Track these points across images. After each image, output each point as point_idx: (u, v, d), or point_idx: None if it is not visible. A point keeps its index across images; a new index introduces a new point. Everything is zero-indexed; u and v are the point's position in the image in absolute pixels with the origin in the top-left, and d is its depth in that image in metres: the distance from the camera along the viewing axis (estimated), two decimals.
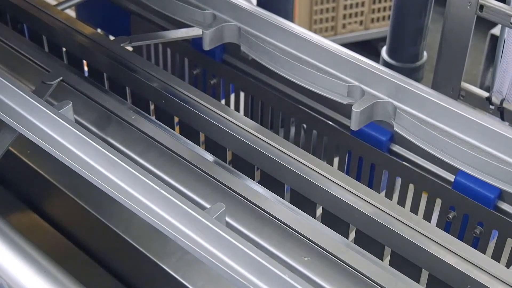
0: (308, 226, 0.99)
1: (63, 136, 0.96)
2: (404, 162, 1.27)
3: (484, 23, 1.52)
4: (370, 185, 1.29)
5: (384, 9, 3.11)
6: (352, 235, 1.08)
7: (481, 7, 1.33)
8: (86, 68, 1.43)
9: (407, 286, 0.92)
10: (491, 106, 1.43)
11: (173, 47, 1.61)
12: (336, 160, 1.36)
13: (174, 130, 1.24)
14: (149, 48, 1.69)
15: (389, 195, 1.28)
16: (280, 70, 1.18)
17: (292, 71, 1.16)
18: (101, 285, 1.08)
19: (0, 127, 1.04)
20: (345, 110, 1.28)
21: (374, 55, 1.80)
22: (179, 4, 1.26)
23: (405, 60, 1.72)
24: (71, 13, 1.89)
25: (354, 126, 1.08)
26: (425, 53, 1.74)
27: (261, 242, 0.96)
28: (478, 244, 1.16)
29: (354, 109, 1.06)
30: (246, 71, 1.53)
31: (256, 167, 1.17)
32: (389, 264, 1.00)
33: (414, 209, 1.26)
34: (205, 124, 1.19)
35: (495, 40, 2.27)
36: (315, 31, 2.91)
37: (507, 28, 1.36)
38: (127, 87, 1.31)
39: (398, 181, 1.27)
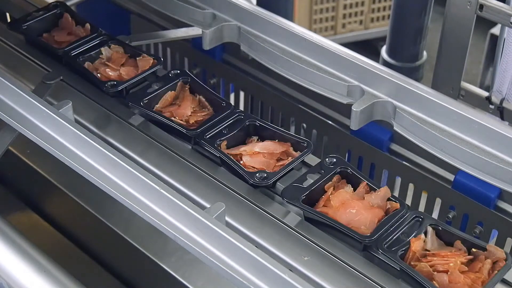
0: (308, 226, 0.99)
1: (62, 135, 0.96)
2: (404, 162, 1.27)
3: (484, 23, 1.51)
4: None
5: (384, 8, 3.11)
6: None
7: (481, 6, 1.33)
8: None
9: None
10: (491, 106, 1.43)
11: (173, 46, 1.61)
12: None
13: None
14: (149, 48, 1.69)
15: None
16: (280, 70, 1.18)
17: (292, 70, 1.16)
18: (101, 285, 1.09)
19: (0, 126, 1.04)
20: (345, 110, 1.28)
21: (374, 55, 1.79)
22: (179, 3, 1.26)
23: (405, 59, 1.72)
24: None
25: (354, 126, 1.08)
26: (425, 53, 1.74)
27: (261, 242, 0.96)
28: None
29: (354, 108, 1.06)
30: (246, 70, 1.53)
31: None
32: None
33: (414, 209, 1.26)
34: None
35: (495, 39, 2.27)
36: (315, 31, 2.91)
37: (507, 28, 1.36)
38: None
39: (398, 180, 1.27)
